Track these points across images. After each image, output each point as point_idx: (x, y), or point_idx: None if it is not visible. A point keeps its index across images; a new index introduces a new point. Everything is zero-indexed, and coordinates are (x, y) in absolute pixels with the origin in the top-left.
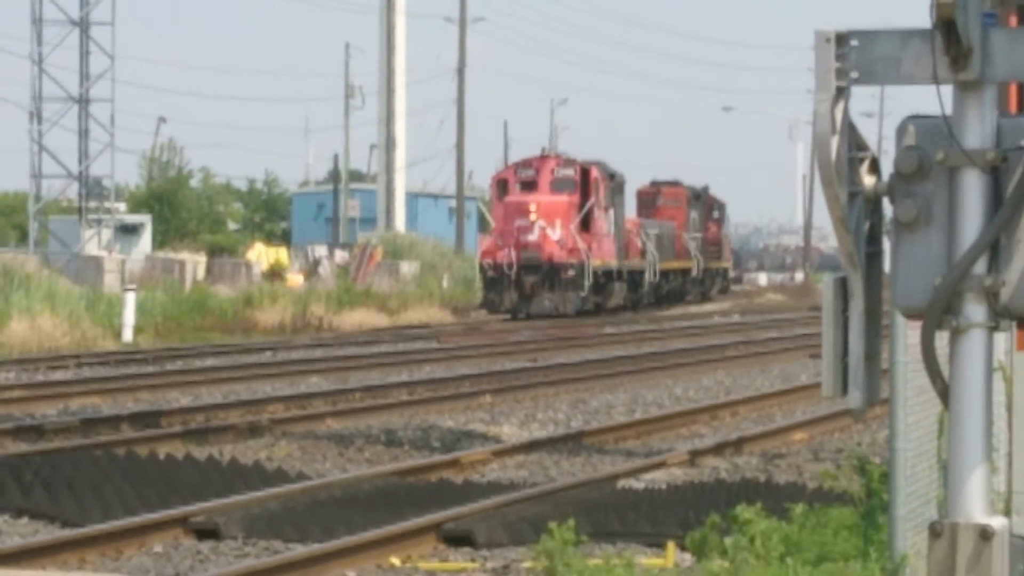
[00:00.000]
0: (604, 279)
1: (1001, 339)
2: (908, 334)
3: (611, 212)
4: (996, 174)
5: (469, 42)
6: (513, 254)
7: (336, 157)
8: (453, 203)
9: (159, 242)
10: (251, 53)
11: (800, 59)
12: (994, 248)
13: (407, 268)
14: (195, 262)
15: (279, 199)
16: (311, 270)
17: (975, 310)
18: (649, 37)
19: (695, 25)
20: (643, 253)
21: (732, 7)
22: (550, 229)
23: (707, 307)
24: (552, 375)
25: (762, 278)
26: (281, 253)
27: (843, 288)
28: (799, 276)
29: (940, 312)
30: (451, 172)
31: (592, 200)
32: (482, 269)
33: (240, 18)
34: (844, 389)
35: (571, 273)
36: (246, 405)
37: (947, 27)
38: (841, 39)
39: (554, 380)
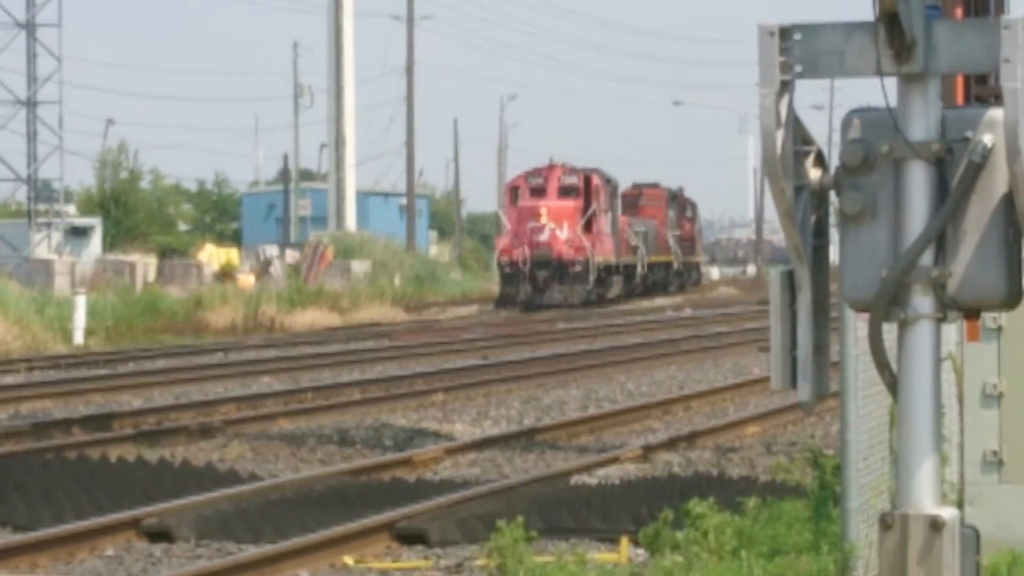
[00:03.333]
0: (605, 273)
1: (952, 330)
2: (857, 326)
3: (609, 214)
4: (941, 166)
5: (417, 40)
6: (527, 252)
7: (286, 156)
8: (404, 201)
9: (110, 244)
10: (199, 53)
11: (750, 53)
12: (940, 240)
13: (358, 267)
14: (146, 264)
15: (229, 199)
16: (262, 270)
17: (922, 302)
18: (598, 32)
19: (644, 20)
20: (634, 249)
21: (681, 2)
22: (559, 230)
23: (659, 301)
24: (504, 372)
25: (714, 272)
26: (232, 254)
27: (790, 281)
28: (751, 269)
29: (887, 304)
30: (401, 170)
31: (594, 204)
32: (500, 266)
33: (187, 18)
34: (793, 382)
35: (578, 268)
36: (198, 406)
37: (890, 20)
38: (785, 33)
39: (506, 377)
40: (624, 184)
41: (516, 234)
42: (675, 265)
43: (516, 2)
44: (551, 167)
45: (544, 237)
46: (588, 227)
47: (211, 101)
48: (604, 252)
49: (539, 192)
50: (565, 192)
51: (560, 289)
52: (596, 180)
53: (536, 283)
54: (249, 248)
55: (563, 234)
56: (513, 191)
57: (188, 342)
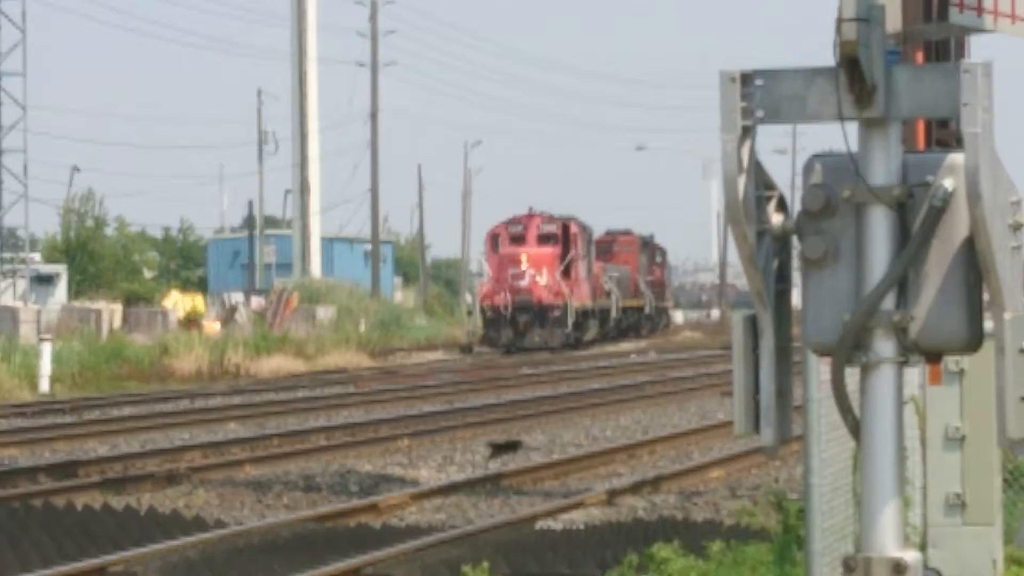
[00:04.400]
0: (582, 317)
1: (914, 373)
2: (820, 370)
3: (586, 260)
4: (903, 210)
5: (381, 86)
6: (508, 297)
7: (251, 203)
8: (368, 247)
9: (75, 292)
10: (163, 101)
11: (712, 98)
12: (902, 284)
13: (324, 313)
14: (111, 311)
15: (194, 246)
16: (228, 317)
17: (884, 346)
18: (560, 78)
19: (607, 66)
20: (608, 294)
21: (643, 47)
22: (539, 276)
23: (623, 346)
24: (470, 417)
25: (678, 316)
26: (197, 300)
27: (753, 326)
28: (715, 313)
29: (850, 348)
30: (366, 216)
31: (572, 251)
32: (482, 310)
33: (151, 66)
34: (756, 427)
35: (557, 313)
36: (164, 453)
37: (851, 65)
38: (746, 78)
39: (472, 422)
40: (596, 230)
41: (498, 280)
42: (647, 309)
43: (480, 48)
44: (530, 215)
45: (525, 283)
46: (566, 273)
47: (176, 148)
48: (581, 297)
49: (519, 239)
50: (544, 239)
51: (540, 333)
52: (574, 227)
53: (517, 327)
54: (214, 295)
55: (543, 280)
56: (494, 238)
57: (154, 389)
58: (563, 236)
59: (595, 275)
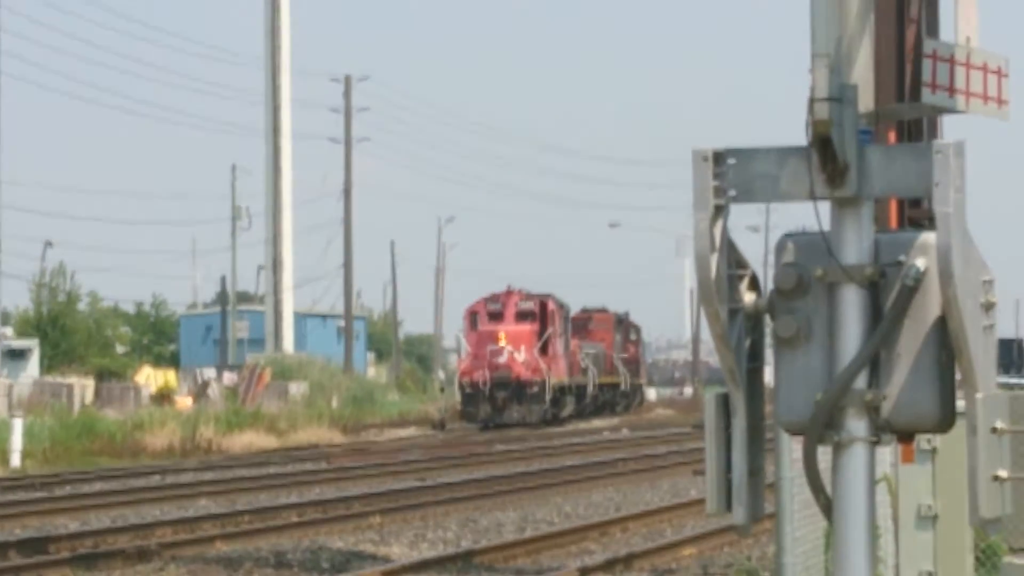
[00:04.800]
0: (559, 393)
1: (887, 451)
2: (792, 449)
3: (563, 337)
4: (875, 289)
5: (355, 162)
6: (487, 374)
7: (223, 279)
8: (341, 323)
9: (47, 366)
10: (138, 176)
11: (686, 175)
12: (874, 363)
13: (296, 389)
14: (83, 386)
15: (167, 322)
16: (200, 392)
17: (856, 425)
18: (535, 154)
19: (581, 142)
20: (585, 370)
21: (617, 125)
22: (517, 353)
23: (595, 423)
24: (442, 494)
25: (651, 393)
26: (169, 376)
27: (725, 405)
28: (688, 391)
29: (822, 427)
30: (339, 292)
31: (549, 328)
32: (461, 386)
33: (125, 141)
34: (728, 506)
35: (535, 389)
36: (135, 529)
37: (823, 144)
38: (719, 157)
39: (444, 499)
40: (571, 306)
41: (476, 356)
42: (622, 386)
43: (454, 125)
44: (508, 293)
45: (503, 359)
46: (544, 350)
47: (149, 223)
48: (558, 373)
49: (498, 317)
50: (522, 317)
51: (518, 409)
52: (551, 305)
53: (495, 403)
54: (187, 370)
55: (521, 356)
56: (473, 316)
57: (125, 464)
58: (541, 313)
59: (572, 352)
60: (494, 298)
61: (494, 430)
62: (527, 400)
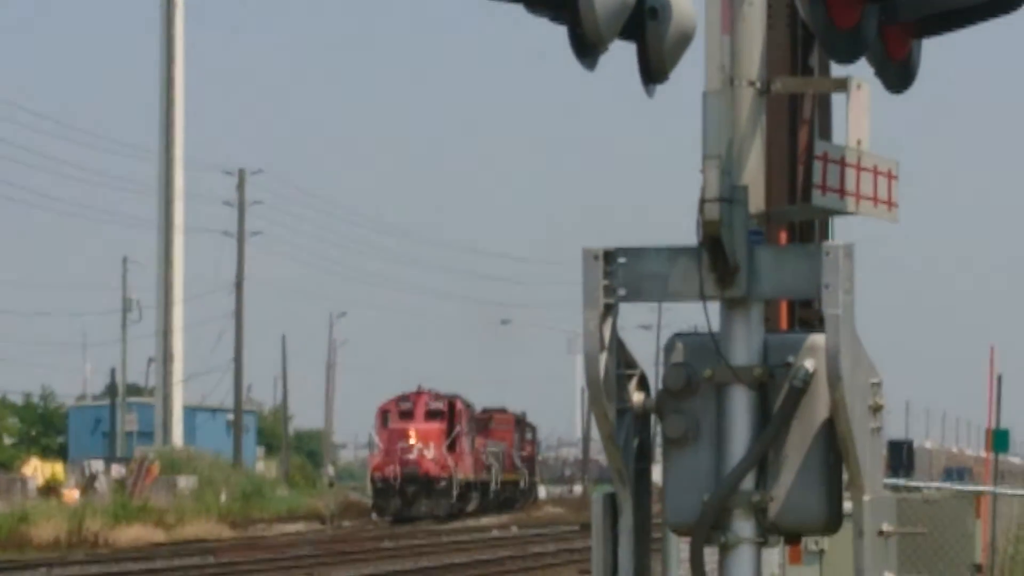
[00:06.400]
0: (465, 489)
1: (775, 552)
2: (680, 548)
3: (470, 436)
4: (764, 390)
5: (247, 256)
6: (397, 469)
7: (113, 371)
8: (231, 417)
9: None
10: (26, 266)
11: (577, 273)
12: (762, 464)
13: (184, 482)
14: None
15: (56, 413)
16: (87, 485)
17: (743, 526)
18: (428, 251)
19: (475, 239)
20: (488, 468)
21: (508, 222)
22: (426, 450)
23: (484, 520)
24: None
25: (541, 491)
26: (57, 468)
27: (613, 504)
28: (578, 489)
29: (709, 528)
30: (229, 386)
31: (457, 426)
32: (372, 481)
33: (13, 231)
34: None
35: (443, 484)
36: None
37: (714, 245)
38: (609, 256)
39: None
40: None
41: (388, 452)
42: (521, 484)
43: (347, 220)
44: (419, 393)
45: (412, 456)
46: (452, 447)
47: (39, 314)
48: (465, 470)
49: (408, 415)
50: (431, 416)
51: (427, 503)
52: (459, 405)
53: (406, 497)
54: (75, 462)
55: (430, 453)
56: (384, 414)
57: (11, 557)
58: (449, 413)
59: (477, 450)
60: (405, 397)
61: (396, 524)
62: (435, 495)
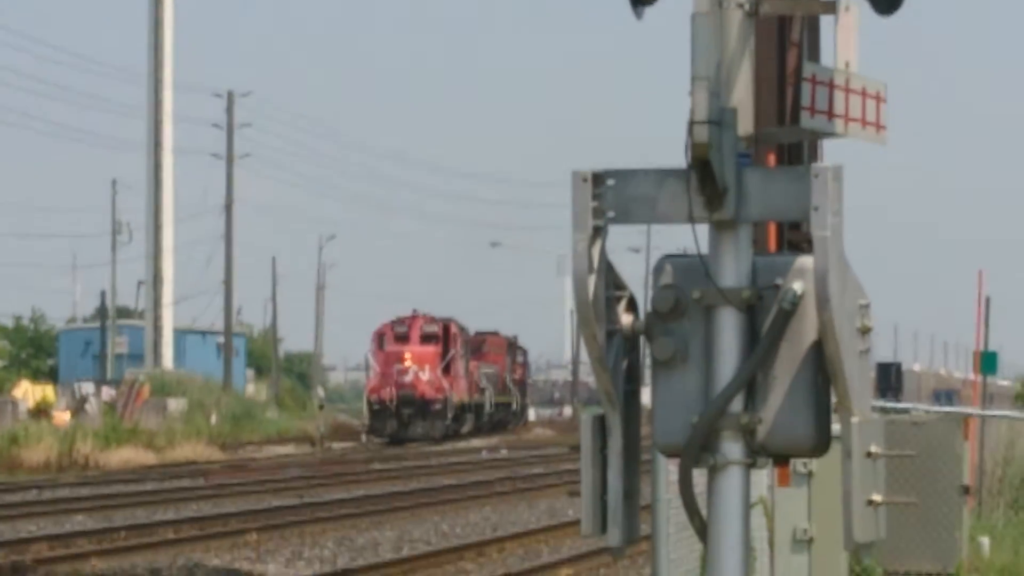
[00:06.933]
0: (460, 411)
1: (763, 475)
2: (669, 471)
3: (464, 359)
4: (752, 312)
5: (236, 178)
6: (393, 392)
7: (103, 293)
8: (221, 339)
9: None
10: (15, 189)
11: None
12: (751, 386)
13: (175, 405)
14: None
15: (46, 336)
16: (78, 407)
17: (732, 448)
18: (417, 174)
19: (463, 162)
20: (482, 391)
21: (496, 144)
22: (421, 372)
23: (475, 442)
24: (319, 512)
25: (530, 413)
26: (48, 390)
27: (601, 426)
28: (567, 411)
29: (697, 450)
30: (219, 308)
31: (452, 350)
32: (369, 403)
33: (3, 153)
34: (603, 528)
35: (438, 407)
36: (9, 545)
37: (702, 167)
38: (598, 179)
39: (321, 517)
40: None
41: (383, 375)
42: (513, 406)
43: (337, 142)
44: (414, 316)
45: (408, 378)
46: (447, 370)
47: (28, 236)
48: (460, 392)
49: (403, 339)
50: (426, 339)
51: (422, 424)
52: (454, 328)
53: (401, 419)
54: (65, 385)
55: (425, 376)
56: (380, 337)
57: (2, 479)
58: (444, 336)
59: (471, 373)
60: (400, 321)
61: (387, 446)
62: (431, 417)
